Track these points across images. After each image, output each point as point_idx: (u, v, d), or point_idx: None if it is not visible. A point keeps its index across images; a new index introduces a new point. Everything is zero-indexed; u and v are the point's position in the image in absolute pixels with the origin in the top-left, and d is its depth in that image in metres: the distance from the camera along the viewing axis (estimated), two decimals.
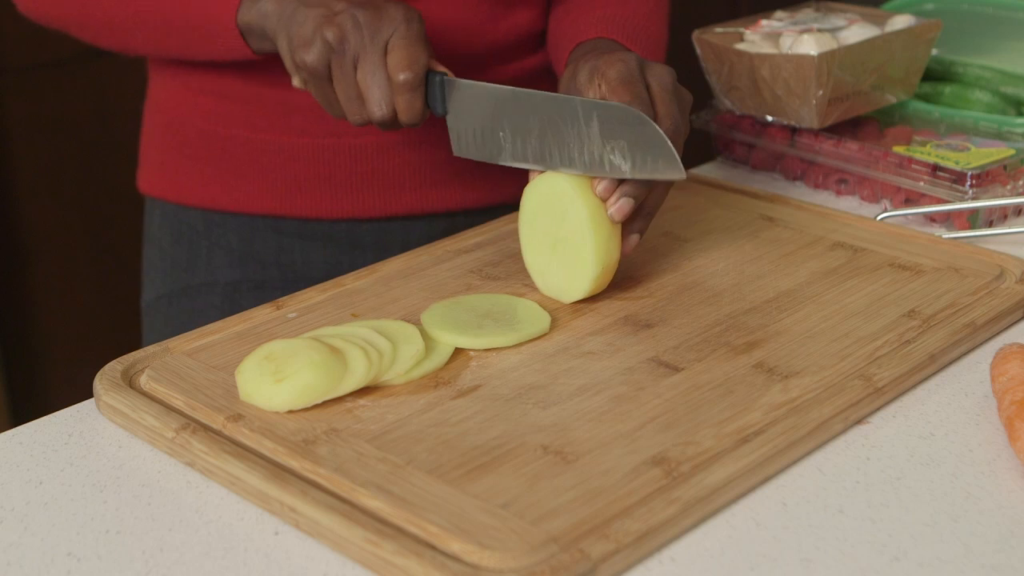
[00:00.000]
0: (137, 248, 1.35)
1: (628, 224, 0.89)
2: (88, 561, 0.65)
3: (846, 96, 1.13)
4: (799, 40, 1.10)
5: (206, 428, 0.74)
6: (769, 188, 1.15)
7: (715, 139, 1.25)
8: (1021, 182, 1.07)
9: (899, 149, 1.10)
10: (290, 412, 0.75)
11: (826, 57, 1.08)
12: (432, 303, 0.88)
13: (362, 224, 1.10)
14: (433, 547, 0.62)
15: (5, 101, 1.93)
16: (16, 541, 0.67)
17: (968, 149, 1.09)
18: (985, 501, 0.68)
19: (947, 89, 1.25)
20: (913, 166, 1.07)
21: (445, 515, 0.64)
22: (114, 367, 0.80)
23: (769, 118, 1.16)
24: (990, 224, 1.06)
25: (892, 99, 1.18)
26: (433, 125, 1.06)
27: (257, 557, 0.65)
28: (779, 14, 1.24)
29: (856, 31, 1.15)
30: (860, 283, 0.91)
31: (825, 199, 1.14)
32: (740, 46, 1.16)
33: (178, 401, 0.77)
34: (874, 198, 1.12)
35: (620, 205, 0.86)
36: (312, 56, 0.87)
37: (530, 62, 1.12)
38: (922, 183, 1.06)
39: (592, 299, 0.89)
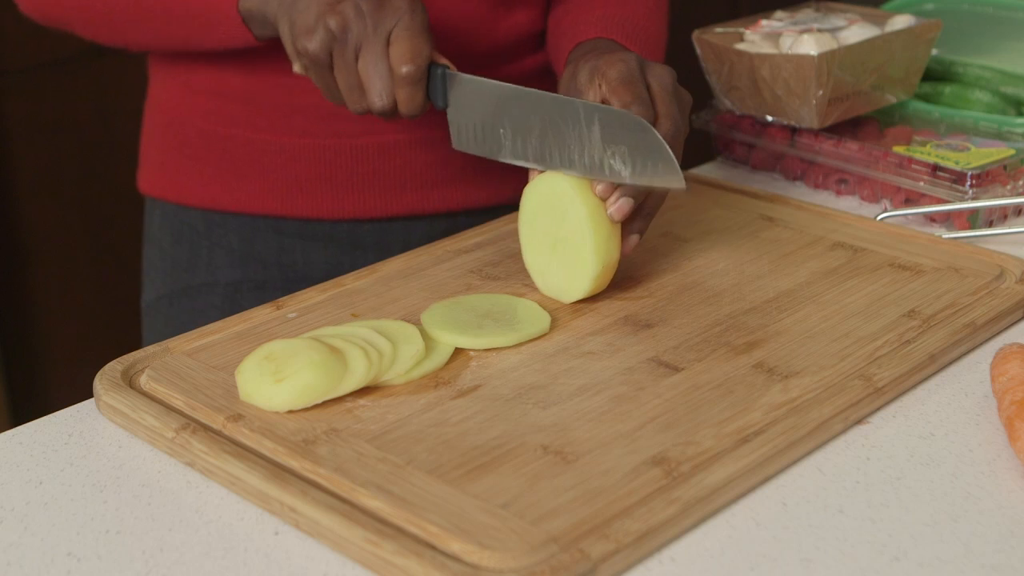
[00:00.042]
0: (137, 248, 1.35)
1: (628, 224, 0.89)
2: (88, 561, 0.65)
3: (846, 96, 1.13)
4: (799, 40, 1.10)
5: (206, 428, 0.74)
6: (769, 188, 1.15)
7: (715, 139, 1.25)
8: (1021, 182, 1.07)
9: (899, 149, 1.10)
10: (290, 412, 0.75)
11: (826, 57, 1.08)
12: (432, 303, 0.88)
13: (363, 224, 1.10)
14: (433, 547, 0.62)
15: (5, 101, 1.93)
16: (16, 541, 0.67)
17: (968, 149, 1.09)
18: (985, 501, 0.68)
19: (947, 89, 1.25)
20: (913, 166, 1.07)
21: (445, 515, 0.64)
22: (114, 367, 0.80)
23: (769, 118, 1.16)
24: (990, 224, 1.06)
25: (892, 99, 1.18)
26: (434, 126, 1.06)
27: (257, 557, 0.65)
28: (779, 14, 1.24)
29: (856, 31, 1.15)
30: (860, 283, 0.91)
31: (825, 199, 1.14)
32: (740, 46, 1.16)
33: (178, 401, 0.77)
34: (874, 198, 1.12)
35: (620, 205, 0.86)
36: (314, 44, 0.87)
37: (530, 62, 1.12)
38: (922, 183, 1.06)
39: (592, 299, 0.89)
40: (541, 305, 0.88)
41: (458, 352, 0.82)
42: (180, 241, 1.13)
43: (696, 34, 1.20)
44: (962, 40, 1.29)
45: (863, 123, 1.19)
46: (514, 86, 0.88)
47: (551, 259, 0.88)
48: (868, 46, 1.12)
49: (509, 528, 0.63)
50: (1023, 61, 1.24)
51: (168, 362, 0.81)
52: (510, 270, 0.94)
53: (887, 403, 0.78)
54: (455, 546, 0.62)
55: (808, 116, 1.12)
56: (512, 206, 0.97)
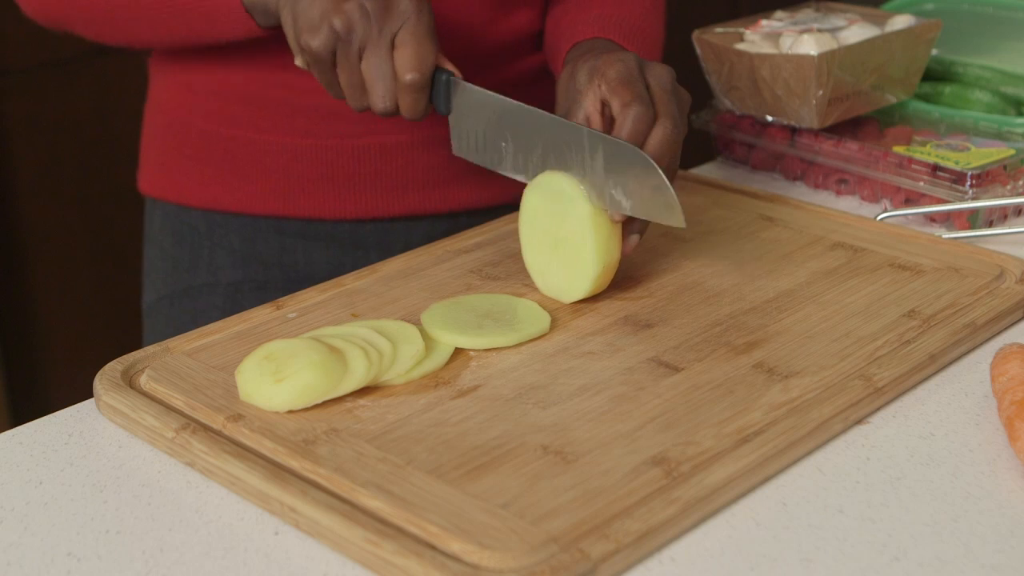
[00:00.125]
0: (137, 248, 1.35)
1: (628, 224, 0.89)
2: (88, 561, 0.65)
3: (846, 96, 1.13)
4: (799, 40, 1.10)
5: (206, 428, 0.74)
6: (769, 188, 1.15)
7: (715, 139, 1.25)
8: (1021, 182, 1.07)
9: (899, 149, 1.10)
10: (290, 412, 0.75)
11: (826, 57, 1.08)
12: (432, 303, 0.88)
13: (365, 224, 1.10)
14: (433, 547, 0.62)
15: (5, 101, 1.93)
16: (16, 541, 0.67)
17: (968, 149, 1.09)
18: (985, 501, 0.68)
19: (947, 89, 1.25)
20: (913, 166, 1.07)
21: (445, 515, 0.64)
22: (114, 367, 0.80)
23: (769, 118, 1.16)
24: (990, 224, 1.06)
25: (892, 99, 1.18)
26: (436, 127, 1.06)
27: (257, 557, 0.65)
28: (779, 14, 1.24)
29: (856, 31, 1.15)
30: (860, 283, 0.91)
31: (825, 199, 1.14)
32: (740, 46, 1.16)
33: (178, 401, 0.77)
34: (874, 198, 1.12)
35: None
36: (317, 42, 0.86)
37: (529, 63, 1.12)
38: (922, 183, 1.06)
39: (592, 299, 0.89)
40: (541, 305, 0.88)
41: (458, 352, 0.82)
42: (181, 242, 1.13)
43: (696, 34, 1.20)
44: (962, 40, 1.29)
45: (863, 123, 1.19)
46: (518, 103, 0.87)
47: (551, 259, 0.88)
48: (868, 46, 1.12)
49: (509, 528, 0.63)
50: (1023, 61, 1.24)
51: (168, 362, 0.81)
52: (510, 270, 0.94)
53: (887, 403, 0.78)
54: (455, 546, 0.62)
55: (808, 116, 1.12)
56: (514, 206, 0.97)
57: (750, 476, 0.69)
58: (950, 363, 0.83)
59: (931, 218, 1.07)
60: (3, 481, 0.72)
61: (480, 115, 0.89)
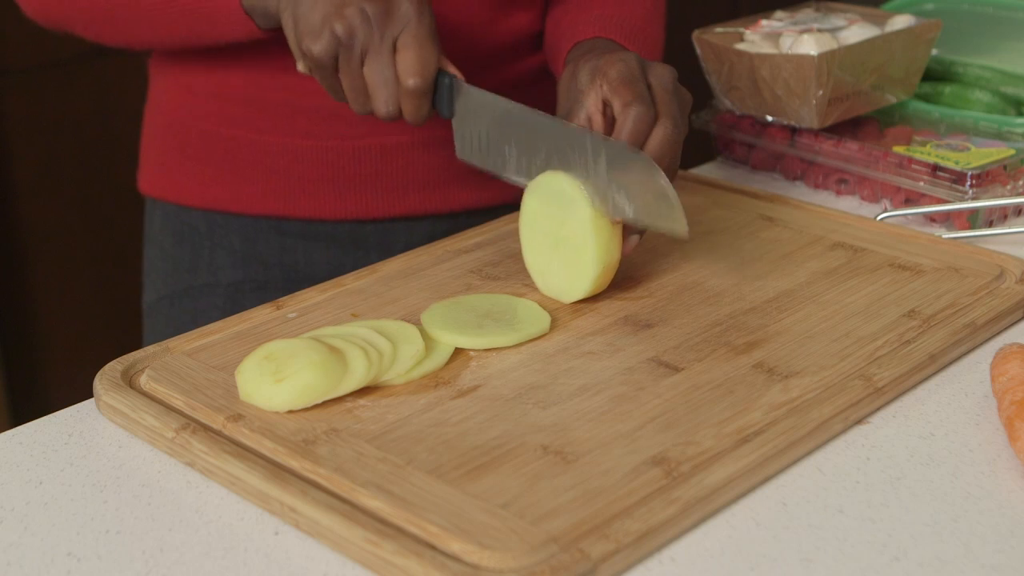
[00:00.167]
0: (137, 248, 1.35)
1: (628, 225, 0.89)
2: (88, 561, 0.65)
3: (846, 96, 1.13)
4: (799, 40, 1.10)
5: (206, 428, 0.74)
6: (769, 188, 1.15)
7: (715, 139, 1.25)
8: (1021, 182, 1.07)
9: (899, 149, 1.10)
10: (290, 412, 0.75)
11: (826, 57, 1.08)
12: (432, 303, 0.88)
13: (365, 225, 1.10)
14: (433, 547, 0.62)
15: (5, 101, 1.93)
16: (16, 541, 0.67)
17: (968, 149, 1.09)
18: (985, 501, 0.68)
19: (947, 89, 1.25)
20: (913, 166, 1.07)
21: (445, 515, 0.64)
22: (114, 367, 0.80)
23: (769, 118, 1.16)
24: (990, 224, 1.06)
25: (892, 99, 1.18)
26: (437, 128, 1.06)
27: (257, 557, 0.65)
28: (779, 14, 1.24)
29: (856, 31, 1.15)
30: (860, 283, 0.91)
31: (825, 199, 1.14)
32: (740, 46, 1.16)
33: (178, 401, 0.77)
34: (874, 198, 1.12)
35: None
36: (319, 47, 0.86)
37: (529, 63, 1.12)
38: (922, 183, 1.06)
39: (592, 299, 0.89)
40: (541, 305, 0.88)
41: (458, 352, 0.82)
42: (181, 242, 1.13)
43: (696, 34, 1.20)
44: (962, 40, 1.29)
45: (863, 123, 1.19)
46: (522, 106, 0.87)
47: (552, 259, 0.88)
48: (868, 46, 1.12)
49: (509, 528, 0.63)
50: (1023, 61, 1.24)
51: (168, 362, 0.81)
52: (510, 270, 0.94)
53: (887, 403, 0.78)
54: (455, 546, 0.62)
55: (808, 116, 1.12)
56: (514, 206, 0.97)
57: (750, 476, 0.69)
58: (950, 363, 0.83)
59: (931, 218, 1.07)
60: (3, 481, 0.72)
61: (484, 119, 0.89)
